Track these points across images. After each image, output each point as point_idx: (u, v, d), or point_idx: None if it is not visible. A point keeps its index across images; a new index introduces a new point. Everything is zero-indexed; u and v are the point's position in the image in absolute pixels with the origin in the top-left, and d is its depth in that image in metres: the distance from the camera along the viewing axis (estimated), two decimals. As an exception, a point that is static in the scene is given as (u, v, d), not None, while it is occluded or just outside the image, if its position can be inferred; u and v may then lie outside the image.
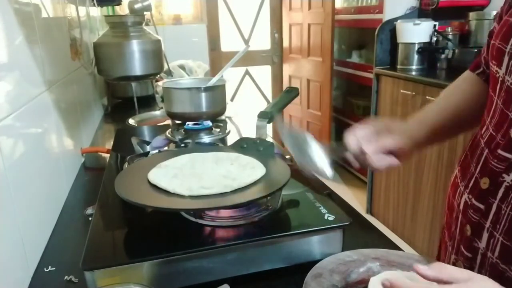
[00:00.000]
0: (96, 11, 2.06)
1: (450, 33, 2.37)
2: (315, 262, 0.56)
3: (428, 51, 2.43)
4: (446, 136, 0.78)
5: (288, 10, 3.62)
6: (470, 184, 0.60)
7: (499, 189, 0.54)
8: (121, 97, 1.91)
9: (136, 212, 0.66)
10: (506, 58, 0.55)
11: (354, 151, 0.64)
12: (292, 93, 0.91)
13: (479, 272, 0.57)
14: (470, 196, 0.59)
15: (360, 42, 3.22)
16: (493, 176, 0.55)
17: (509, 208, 0.52)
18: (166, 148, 1.01)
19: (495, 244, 0.55)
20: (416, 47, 2.41)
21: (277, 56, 3.86)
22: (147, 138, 1.09)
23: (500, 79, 0.55)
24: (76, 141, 1.15)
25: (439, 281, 0.42)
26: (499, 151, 0.55)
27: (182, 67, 2.20)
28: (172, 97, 1.09)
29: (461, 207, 0.62)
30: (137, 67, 1.65)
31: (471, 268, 0.58)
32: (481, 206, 0.56)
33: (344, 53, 3.40)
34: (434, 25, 2.41)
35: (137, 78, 1.70)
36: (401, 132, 0.68)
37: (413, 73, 2.36)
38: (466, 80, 0.75)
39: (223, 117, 1.20)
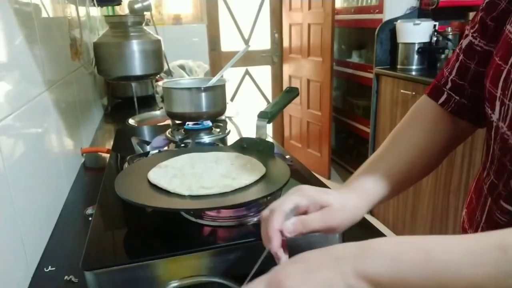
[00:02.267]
0: (96, 11, 2.06)
1: (450, 33, 2.37)
2: (315, 262, 0.56)
3: (428, 51, 2.43)
4: (397, 193, 0.61)
5: (288, 10, 3.62)
6: None
7: None
8: (121, 97, 1.91)
9: (136, 212, 0.66)
10: (497, 104, 0.48)
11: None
12: (292, 93, 0.91)
13: None
14: None
15: (360, 42, 3.22)
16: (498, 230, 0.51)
17: None
18: (166, 148, 1.01)
19: None
20: (416, 47, 2.41)
21: (277, 56, 3.86)
22: (147, 138, 1.09)
23: (495, 124, 0.50)
24: (76, 141, 1.15)
25: None
26: (502, 202, 0.50)
27: (182, 67, 2.20)
28: (172, 97, 1.09)
29: None
30: (137, 67, 1.65)
31: None
32: None
33: (344, 53, 3.40)
34: (434, 25, 2.41)
35: (137, 78, 1.70)
36: (338, 209, 0.50)
37: (413, 73, 2.36)
38: (421, 119, 0.61)
39: (223, 117, 1.20)
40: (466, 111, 0.59)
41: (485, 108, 0.52)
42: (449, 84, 0.60)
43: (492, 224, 0.52)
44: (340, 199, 0.51)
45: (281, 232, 0.46)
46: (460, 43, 0.60)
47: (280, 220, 0.47)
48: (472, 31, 0.57)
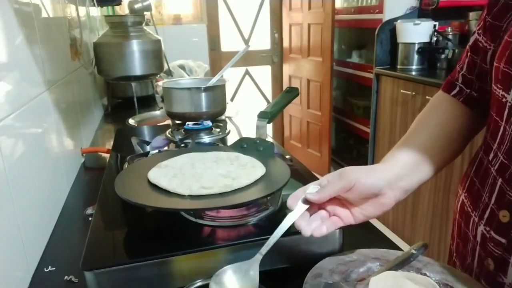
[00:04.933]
0: (96, 11, 2.06)
1: (450, 33, 2.38)
2: (315, 262, 0.56)
3: (428, 51, 2.43)
4: (423, 178, 0.60)
5: (288, 10, 3.62)
6: (486, 216, 0.55)
7: None
8: (121, 97, 1.91)
9: (136, 212, 0.66)
10: None
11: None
12: (292, 93, 0.91)
13: None
14: (488, 229, 0.55)
15: (360, 42, 3.22)
16: None
17: None
18: (166, 148, 1.01)
19: None
20: (416, 47, 2.41)
21: (277, 56, 3.86)
22: (147, 138, 1.09)
23: (509, 104, 0.51)
24: (76, 141, 1.15)
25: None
26: None
27: (182, 67, 2.20)
28: (172, 97, 1.09)
29: (478, 239, 0.57)
30: (137, 67, 1.65)
31: None
32: (503, 240, 0.52)
33: (344, 53, 3.40)
34: (434, 25, 2.41)
35: (137, 78, 1.70)
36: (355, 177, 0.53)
37: (413, 73, 2.37)
38: (440, 107, 0.66)
39: (223, 117, 1.20)
40: (476, 102, 0.64)
41: (493, 95, 0.54)
42: (461, 79, 0.66)
43: (505, 205, 0.52)
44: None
45: (307, 201, 0.52)
46: (469, 39, 0.64)
47: (300, 192, 0.54)
48: (477, 28, 0.61)
